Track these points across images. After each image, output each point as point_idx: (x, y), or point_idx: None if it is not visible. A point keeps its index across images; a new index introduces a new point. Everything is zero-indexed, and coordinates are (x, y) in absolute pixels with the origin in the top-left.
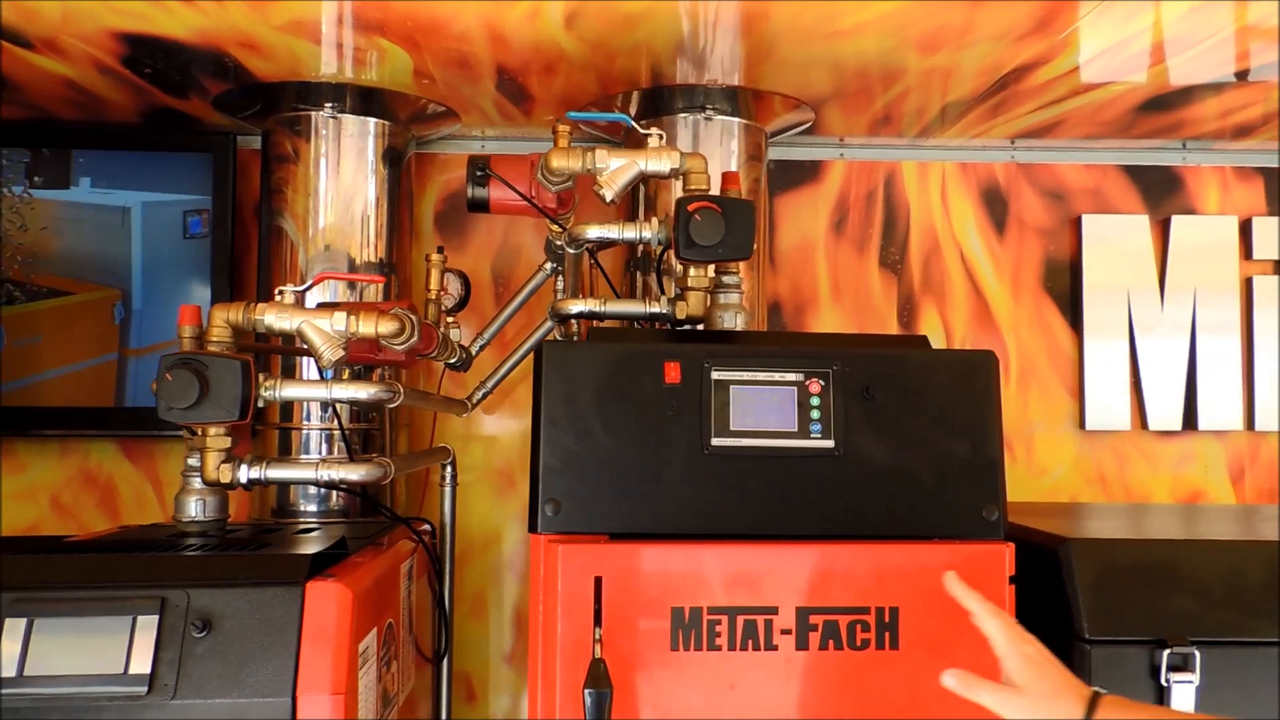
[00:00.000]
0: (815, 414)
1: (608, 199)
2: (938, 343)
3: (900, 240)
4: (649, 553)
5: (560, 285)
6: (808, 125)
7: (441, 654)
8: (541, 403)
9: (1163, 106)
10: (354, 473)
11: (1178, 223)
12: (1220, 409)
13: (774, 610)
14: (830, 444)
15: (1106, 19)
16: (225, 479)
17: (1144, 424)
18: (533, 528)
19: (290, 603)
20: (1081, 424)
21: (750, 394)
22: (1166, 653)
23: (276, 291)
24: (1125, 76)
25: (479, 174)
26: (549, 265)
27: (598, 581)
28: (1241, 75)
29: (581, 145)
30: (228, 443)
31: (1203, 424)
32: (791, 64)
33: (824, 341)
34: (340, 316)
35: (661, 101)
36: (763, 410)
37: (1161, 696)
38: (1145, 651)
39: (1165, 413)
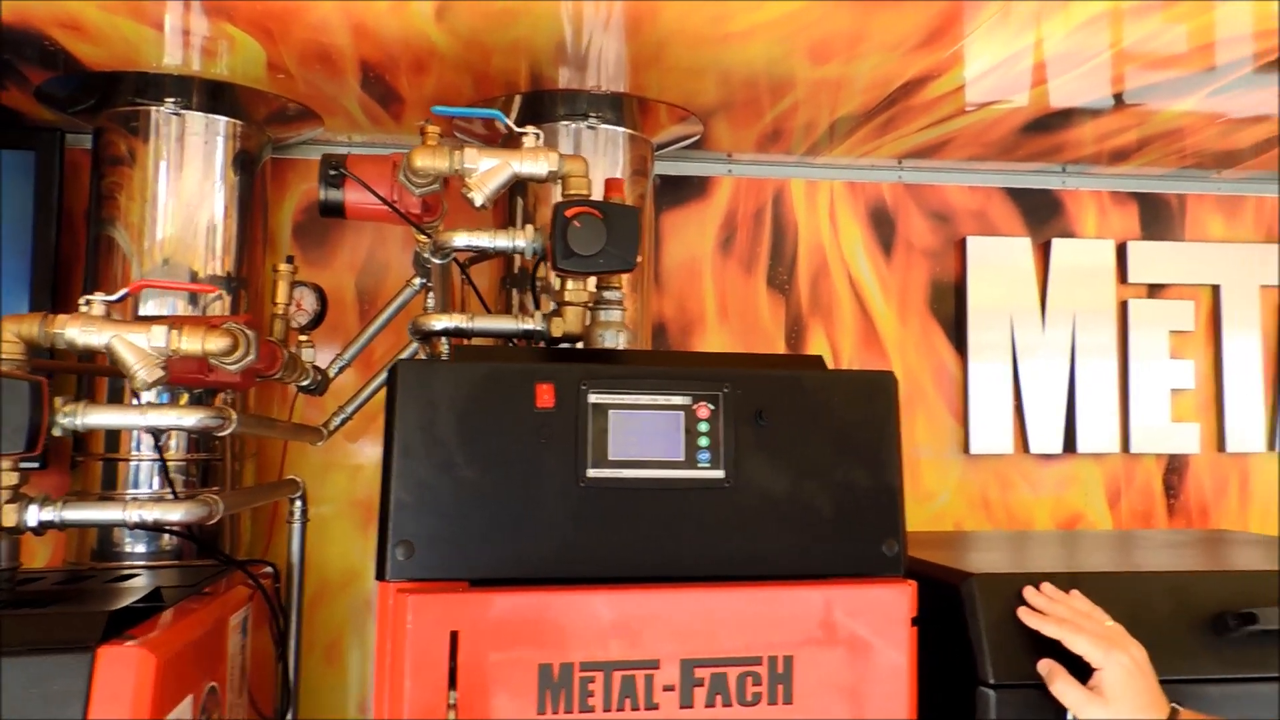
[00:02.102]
0: (704, 441)
1: (477, 203)
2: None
3: (788, 260)
4: (514, 601)
5: (431, 302)
6: (696, 139)
7: (283, 713)
8: (394, 430)
9: (1044, 129)
10: (173, 512)
11: (1058, 246)
12: (1098, 432)
13: (655, 664)
14: (720, 474)
15: (994, 35)
16: (9, 522)
17: (1026, 447)
18: (380, 574)
19: (76, 674)
20: (966, 448)
21: (632, 419)
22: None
23: (83, 301)
24: (1009, 96)
25: (332, 173)
26: (418, 281)
27: (453, 637)
28: (1118, 98)
29: (449, 144)
30: (15, 479)
31: (1081, 447)
32: (679, 70)
33: (713, 361)
34: (159, 331)
35: (542, 108)
36: (646, 437)
37: None
38: (1050, 695)
39: (1046, 436)
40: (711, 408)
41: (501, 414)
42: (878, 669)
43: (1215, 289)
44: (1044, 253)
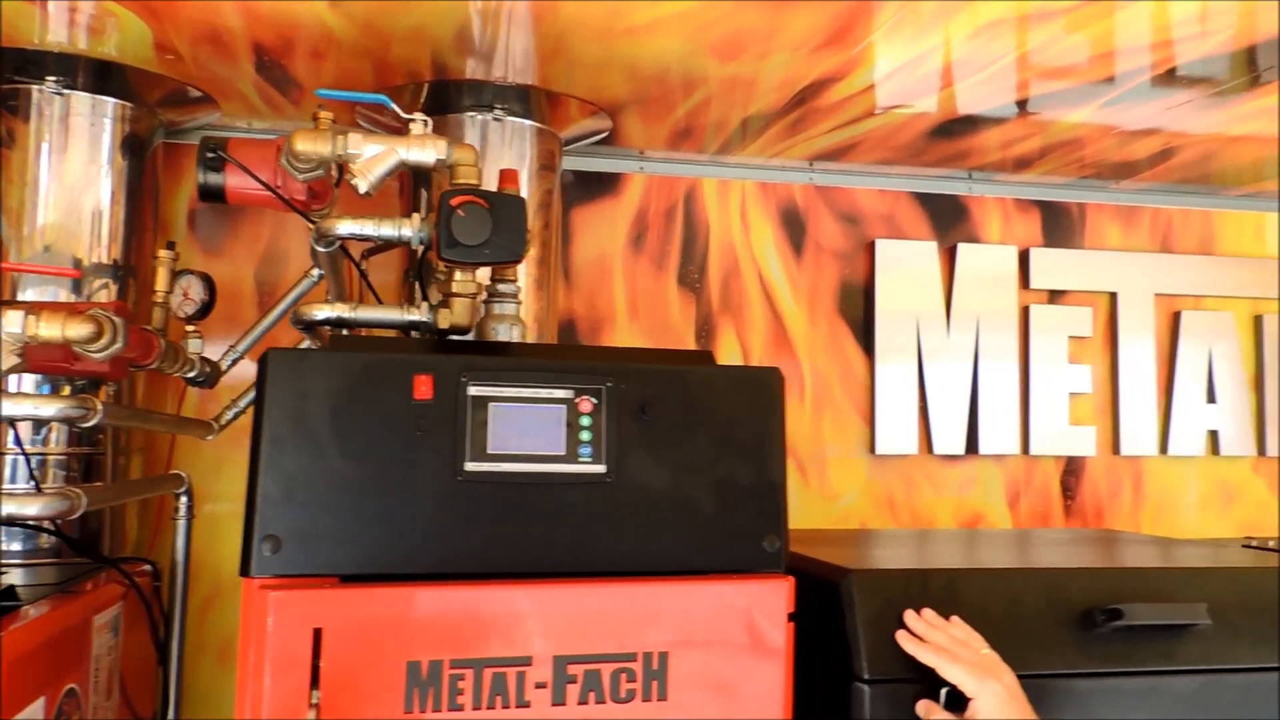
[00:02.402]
0: (586, 435)
1: (361, 190)
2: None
3: (700, 259)
4: (381, 597)
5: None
6: (606, 134)
7: (162, 716)
8: (263, 420)
9: (949, 134)
10: (29, 506)
11: (963, 251)
12: (999, 434)
13: (527, 661)
14: (601, 469)
15: (898, 35)
16: None
17: (930, 448)
18: (245, 570)
19: None
20: (872, 448)
21: (512, 412)
22: (944, 691)
23: None
24: (916, 99)
25: (210, 156)
26: (316, 271)
27: (316, 634)
28: (1020, 106)
29: (335, 129)
30: None
31: (983, 448)
32: (585, 64)
33: (598, 355)
34: (14, 316)
35: (448, 98)
36: (526, 431)
37: None
38: (924, 690)
39: (949, 437)
40: (594, 402)
41: (377, 405)
42: (754, 665)
43: (1113, 296)
44: (950, 257)
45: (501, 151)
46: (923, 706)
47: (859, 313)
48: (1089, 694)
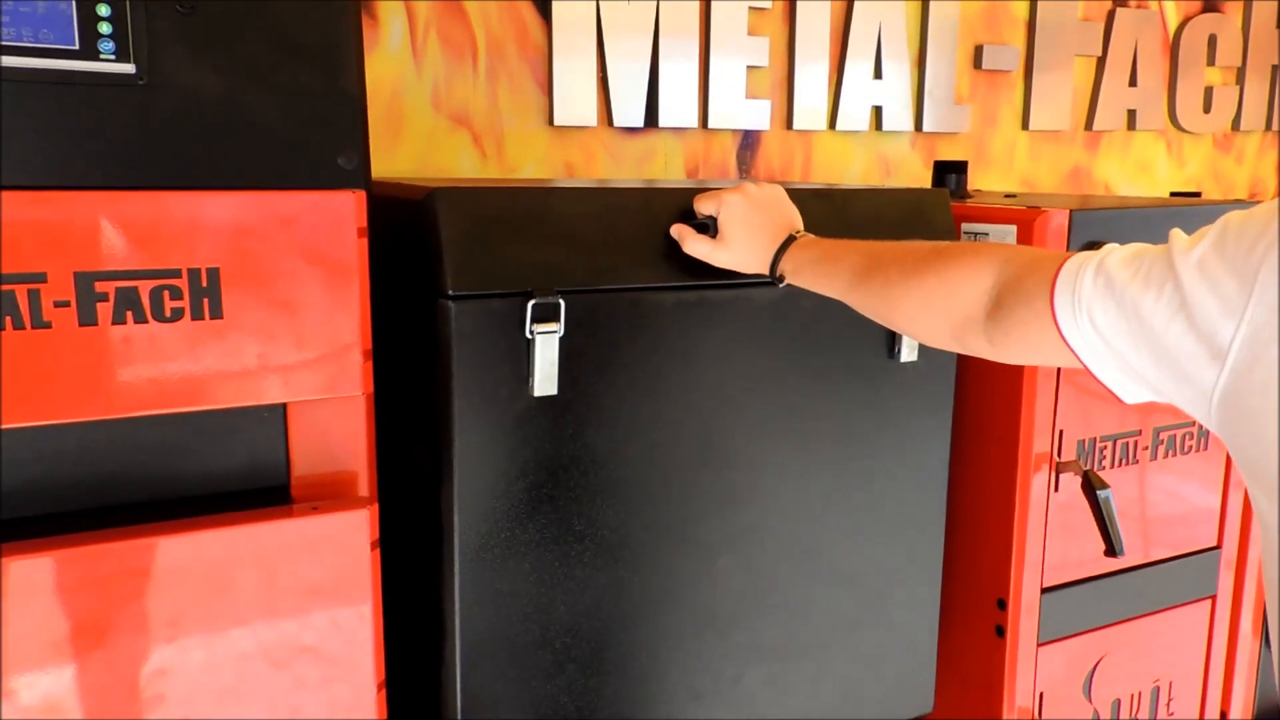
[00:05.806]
0: (106, 28)
1: None
2: (400, 32)
3: None
4: None
5: None
6: None
7: None
8: None
9: None
10: None
11: None
12: (679, 107)
13: (41, 277)
14: (130, 69)
15: None
16: None
17: (610, 121)
18: None
19: None
20: (551, 120)
21: None
22: (531, 304)
23: None
24: None
25: None
26: None
27: None
28: None
29: None
30: None
31: (663, 121)
32: None
33: None
34: None
35: None
36: (26, 20)
37: (528, 348)
38: (513, 304)
39: (629, 110)
40: None
41: None
42: (324, 281)
43: None
44: None
45: None
46: (675, 230)
47: None
48: (681, 305)
